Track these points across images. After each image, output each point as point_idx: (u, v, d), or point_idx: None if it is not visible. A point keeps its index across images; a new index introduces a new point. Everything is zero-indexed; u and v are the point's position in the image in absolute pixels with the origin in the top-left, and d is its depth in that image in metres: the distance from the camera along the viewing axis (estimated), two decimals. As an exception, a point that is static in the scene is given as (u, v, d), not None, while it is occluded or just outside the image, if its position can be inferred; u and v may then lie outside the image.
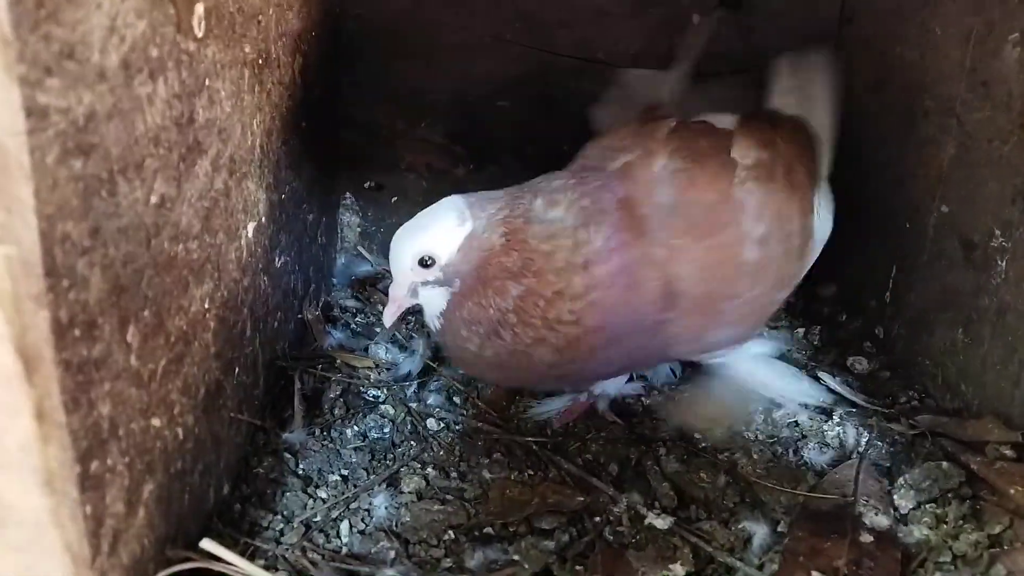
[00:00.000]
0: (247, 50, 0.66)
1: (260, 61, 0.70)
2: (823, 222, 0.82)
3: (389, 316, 0.73)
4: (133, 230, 0.47)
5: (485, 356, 0.71)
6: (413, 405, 0.85)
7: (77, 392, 0.42)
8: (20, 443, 0.38)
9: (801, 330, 0.98)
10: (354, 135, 1.06)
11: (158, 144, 0.50)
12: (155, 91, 0.49)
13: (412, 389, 0.87)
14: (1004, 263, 0.75)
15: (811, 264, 0.81)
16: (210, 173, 0.60)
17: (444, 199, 0.72)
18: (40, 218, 0.38)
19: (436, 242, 0.69)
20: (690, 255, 0.70)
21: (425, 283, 0.71)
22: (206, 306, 0.61)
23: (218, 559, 0.56)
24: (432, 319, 0.73)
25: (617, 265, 0.68)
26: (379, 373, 0.89)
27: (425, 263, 0.69)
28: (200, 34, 0.55)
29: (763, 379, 0.83)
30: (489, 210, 0.69)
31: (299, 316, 0.91)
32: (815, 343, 0.96)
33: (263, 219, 0.74)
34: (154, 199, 0.50)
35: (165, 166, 0.51)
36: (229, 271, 0.66)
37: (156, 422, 0.53)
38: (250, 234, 0.71)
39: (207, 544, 0.55)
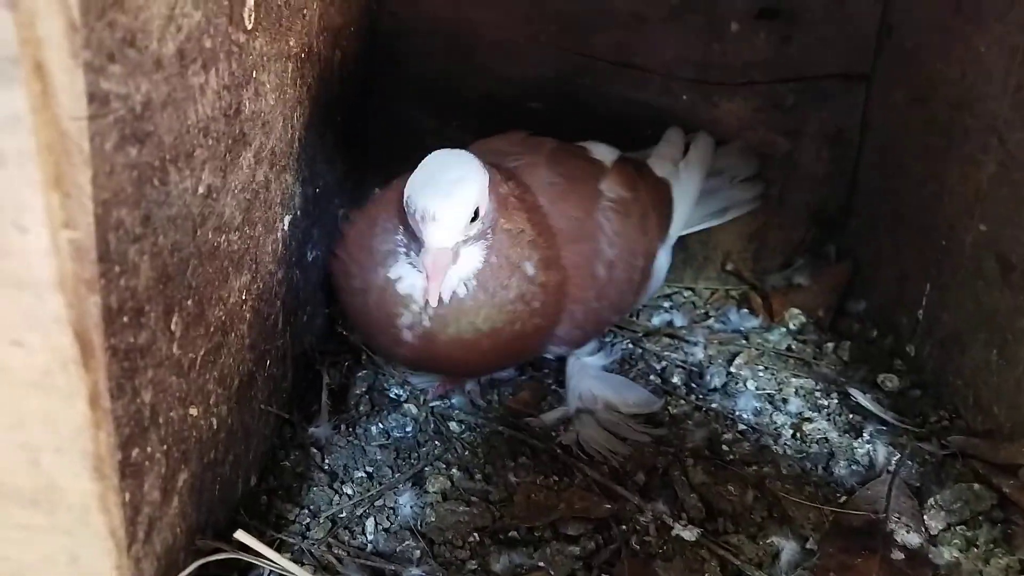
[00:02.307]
0: (291, 43, 0.66)
1: (303, 55, 0.70)
2: (659, 272, 0.91)
3: (447, 289, 0.63)
4: (181, 219, 0.47)
5: (502, 316, 0.66)
6: (436, 404, 0.84)
7: (123, 379, 0.42)
8: (74, 428, 0.38)
9: (831, 344, 0.97)
10: (385, 131, 1.05)
11: (207, 135, 0.50)
12: (207, 81, 0.49)
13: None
14: (1043, 285, 0.74)
15: (641, 303, 0.94)
16: (252, 165, 0.60)
17: (444, 151, 0.65)
18: (96, 203, 0.38)
19: (482, 191, 0.61)
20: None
21: (466, 240, 0.62)
22: (243, 297, 0.61)
23: (250, 551, 0.56)
24: (457, 284, 0.64)
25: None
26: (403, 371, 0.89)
27: (476, 215, 0.62)
28: (249, 26, 0.55)
29: (597, 386, 0.86)
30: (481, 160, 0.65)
31: (327, 311, 0.91)
32: (844, 359, 0.95)
33: (298, 212, 0.74)
34: (201, 189, 0.50)
35: (213, 156, 0.51)
36: (266, 263, 0.66)
37: (193, 411, 0.52)
38: (286, 227, 0.71)
39: (242, 536, 0.54)
